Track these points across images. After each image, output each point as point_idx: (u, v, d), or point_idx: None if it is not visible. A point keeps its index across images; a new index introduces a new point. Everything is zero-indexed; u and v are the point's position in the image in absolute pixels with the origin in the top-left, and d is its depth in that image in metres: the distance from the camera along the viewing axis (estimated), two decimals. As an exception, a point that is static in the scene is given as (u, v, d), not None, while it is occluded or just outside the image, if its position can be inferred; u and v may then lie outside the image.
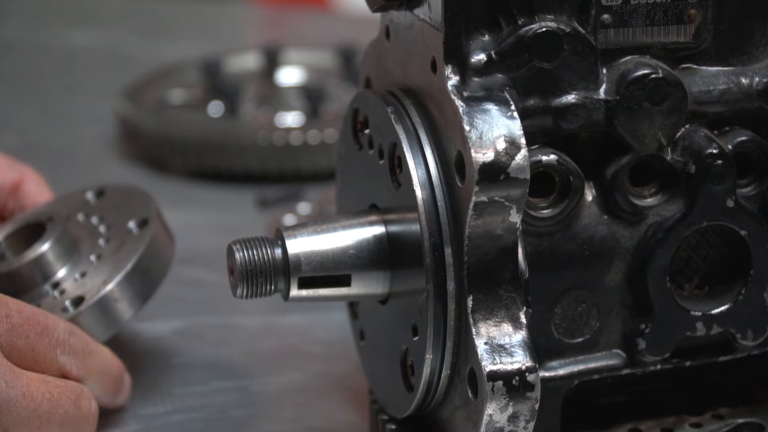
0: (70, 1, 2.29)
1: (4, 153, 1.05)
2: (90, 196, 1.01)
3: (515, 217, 0.74)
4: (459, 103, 0.74)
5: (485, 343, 0.74)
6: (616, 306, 0.80)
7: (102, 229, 0.96)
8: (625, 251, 0.80)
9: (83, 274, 0.93)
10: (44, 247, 0.93)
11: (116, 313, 0.92)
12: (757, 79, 0.81)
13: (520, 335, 0.75)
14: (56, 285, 0.93)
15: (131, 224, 0.95)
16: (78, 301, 0.91)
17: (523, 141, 0.73)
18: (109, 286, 0.91)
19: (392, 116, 0.79)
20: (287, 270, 0.81)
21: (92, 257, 0.94)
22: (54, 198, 1.03)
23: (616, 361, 0.81)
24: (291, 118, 1.43)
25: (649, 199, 0.80)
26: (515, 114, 0.74)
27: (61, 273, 0.94)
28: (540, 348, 0.77)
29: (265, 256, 0.81)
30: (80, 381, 0.88)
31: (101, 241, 0.95)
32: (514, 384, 0.73)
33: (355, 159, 0.86)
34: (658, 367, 0.82)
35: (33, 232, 0.96)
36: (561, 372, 0.80)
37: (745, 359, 0.84)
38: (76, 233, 0.96)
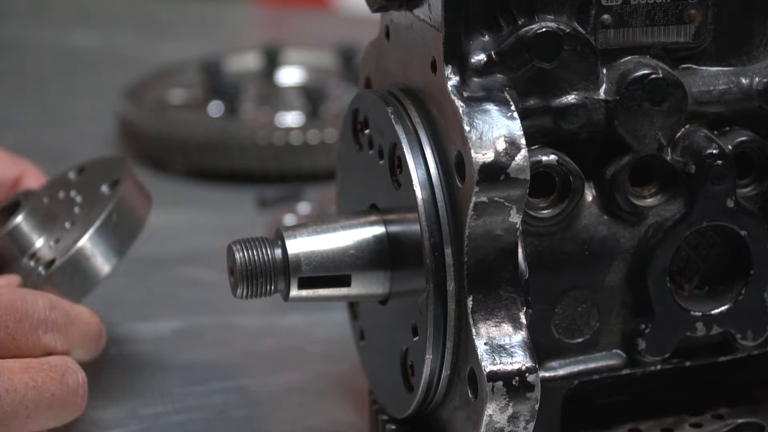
0: (70, 1, 2.30)
1: (4, 148, 1.05)
2: (72, 175, 1.01)
3: (515, 218, 0.74)
4: (459, 103, 0.74)
5: (485, 344, 0.74)
6: (616, 306, 0.80)
7: (78, 199, 0.97)
8: (625, 251, 0.80)
9: (57, 241, 0.93)
10: (17, 219, 0.94)
11: (91, 269, 0.91)
12: (757, 79, 0.81)
13: (520, 335, 0.75)
14: (33, 256, 0.93)
15: (104, 187, 0.96)
16: (51, 263, 0.91)
17: (523, 141, 0.73)
18: (80, 243, 0.91)
19: (392, 116, 0.79)
20: (287, 270, 0.81)
21: (67, 224, 0.94)
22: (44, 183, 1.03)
23: (616, 361, 0.81)
24: (291, 118, 1.43)
25: (649, 200, 0.80)
26: (515, 114, 0.74)
27: (38, 244, 0.94)
28: (540, 348, 0.77)
29: (265, 257, 0.81)
30: (66, 353, 0.87)
31: (76, 209, 0.96)
32: (514, 384, 0.73)
33: (355, 159, 0.86)
34: (658, 367, 0.82)
35: (12, 211, 0.96)
36: (561, 372, 0.80)
37: (745, 359, 0.84)
38: (55, 208, 0.96)
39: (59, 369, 0.85)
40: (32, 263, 0.93)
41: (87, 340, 0.91)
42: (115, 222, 0.92)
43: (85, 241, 0.91)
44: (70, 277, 0.91)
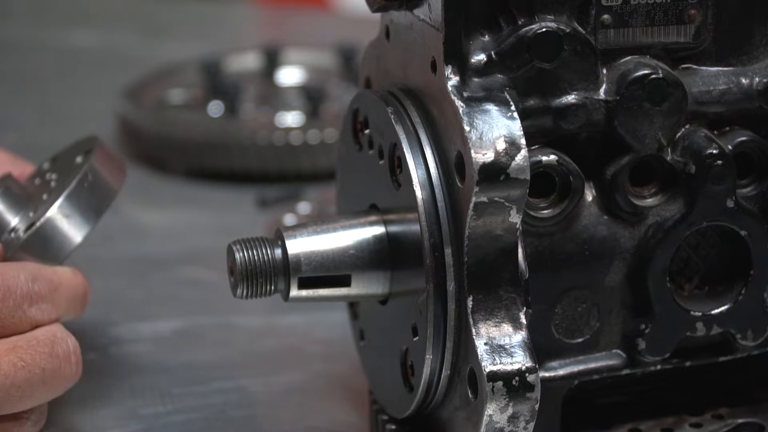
0: (70, 1, 2.29)
1: (4, 149, 1.05)
2: (46, 165, 1.01)
3: (515, 218, 0.74)
4: (459, 103, 0.74)
5: (485, 344, 0.74)
6: (616, 306, 0.80)
7: (54, 176, 0.97)
8: (625, 251, 0.80)
9: (35, 210, 0.93)
10: None
11: (69, 231, 0.91)
12: (757, 79, 0.81)
13: (520, 335, 0.75)
14: (12, 230, 0.93)
15: (78, 158, 0.96)
16: (29, 229, 0.91)
17: (523, 141, 0.73)
18: (56, 203, 0.91)
19: (392, 116, 0.79)
20: (287, 270, 0.81)
21: (44, 196, 0.94)
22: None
23: (616, 361, 0.81)
24: (291, 118, 1.43)
25: (649, 200, 0.80)
26: (515, 114, 0.74)
27: (16, 220, 0.94)
28: (540, 348, 0.77)
29: (265, 257, 0.81)
30: (54, 321, 0.87)
31: (52, 184, 0.96)
32: (514, 384, 0.73)
33: (355, 159, 0.86)
34: (658, 367, 0.82)
35: None
36: (561, 372, 0.80)
37: (745, 359, 0.84)
38: (32, 190, 0.97)
39: (47, 342, 0.84)
40: (12, 235, 0.93)
41: (74, 302, 0.90)
42: (91, 182, 0.92)
43: (61, 202, 0.91)
44: (50, 240, 0.91)
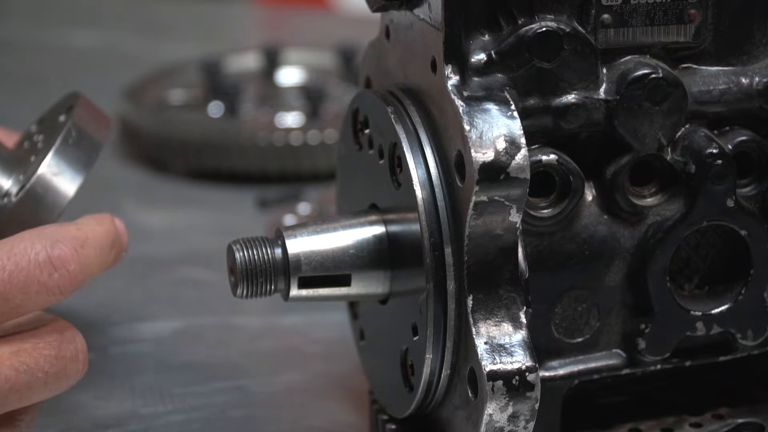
0: (70, 1, 2.29)
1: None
2: (34, 127, 1.01)
3: (515, 217, 0.74)
4: (459, 103, 0.74)
5: (485, 343, 0.74)
6: (616, 306, 0.80)
7: (40, 138, 0.97)
8: (625, 251, 0.80)
9: (25, 173, 0.94)
10: None
11: (61, 186, 0.91)
12: (757, 79, 0.81)
13: (520, 335, 0.75)
14: (6, 195, 0.93)
15: (61, 117, 0.96)
16: (20, 191, 0.91)
17: (523, 141, 0.73)
18: (45, 161, 0.91)
19: (392, 116, 0.79)
20: (287, 270, 0.81)
21: (32, 158, 0.95)
22: None
23: (616, 361, 0.81)
24: (291, 118, 1.43)
25: (649, 199, 0.80)
26: (515, 114, 0.74)
27: (9, 184, 0.94)
28: (540, 348, 0.77)
29: (265, 256, 0.81)
30: (85, 280, 0.82)
31: (39, 145, 0.96)
32: (514, 384, 0.73)
33: (355, 159, 0.86)
34: (658, 367, 0.82)
35: None
36: (561, 372, 0.80)
37: (745, 359, 0.84)
38: (22, 154, 0.97)
39: (54, 344, 0.81)
40: (5, 200, 0.93)
41: (104, 251, 0.85)
42: (75, 138, 0.93)
43: (49, 160, 0.91)
44: (42, 198, 0.90)
